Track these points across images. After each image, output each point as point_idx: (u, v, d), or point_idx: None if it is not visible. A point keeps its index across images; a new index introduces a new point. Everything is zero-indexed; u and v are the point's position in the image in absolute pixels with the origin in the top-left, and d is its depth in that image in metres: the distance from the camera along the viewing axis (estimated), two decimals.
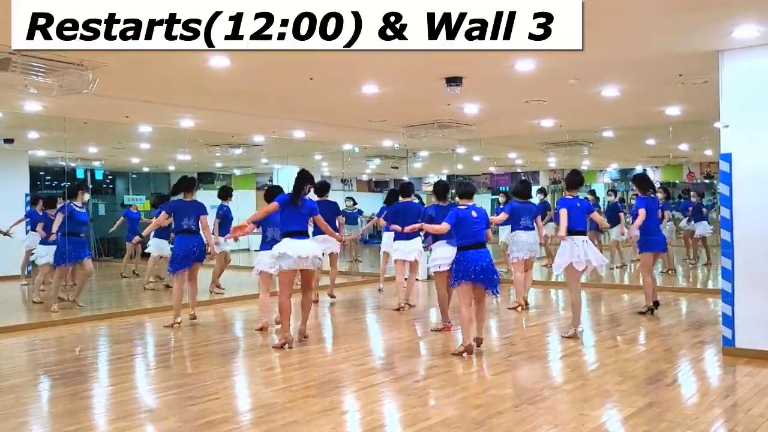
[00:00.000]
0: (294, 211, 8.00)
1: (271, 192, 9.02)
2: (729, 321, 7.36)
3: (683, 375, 6.97)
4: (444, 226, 7.54)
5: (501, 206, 13.66)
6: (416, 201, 11.26)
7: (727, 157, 7.31)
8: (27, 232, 13.56)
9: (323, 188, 11.33)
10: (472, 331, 7.55)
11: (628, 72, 8.77)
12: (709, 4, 6.04)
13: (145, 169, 21.23)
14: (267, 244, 8.95)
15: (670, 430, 5.07)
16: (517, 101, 10.69)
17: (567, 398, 5.93)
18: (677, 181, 19.61)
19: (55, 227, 10.69)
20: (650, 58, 7.98)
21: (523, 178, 16.46)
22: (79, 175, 19.28)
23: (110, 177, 21.51)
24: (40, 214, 12.19)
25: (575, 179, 8.83)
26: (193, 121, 11.87)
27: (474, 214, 7.56)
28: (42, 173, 19.22)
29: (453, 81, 8.70)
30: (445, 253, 8.16)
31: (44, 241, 11.54)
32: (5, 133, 13.56)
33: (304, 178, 8.12)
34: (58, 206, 11.42)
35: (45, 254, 11.49)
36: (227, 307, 11.68)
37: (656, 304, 9.97)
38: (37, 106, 9.90)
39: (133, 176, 21.52)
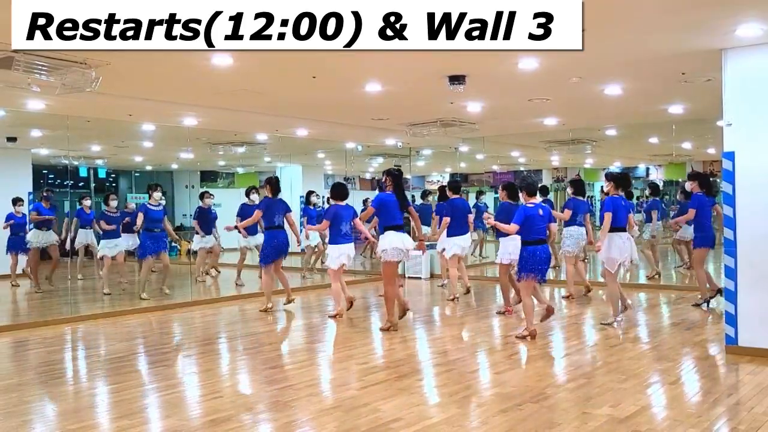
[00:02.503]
0: (393, 206, 8.93)
1: (338, 189, 9.99)
2: (732, 319, 7.35)
3: (686, 373, 6.97)
4: (513, 227, 8.22)
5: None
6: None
7: (731, 156, 7.30)
8: (30, 230, 13.63)
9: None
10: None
11: (630, 70, 8.76)
12: (712, 3, 6.03)
13: (148, 168, 21.23)
14: (341, 238, 9.80)
15: (672, 428, 5.07)
16: (520, 99, 10.68)
17: (570, 397, 5.93)
18: (680, 180, 19.58)
19: (139, 223, 11.82)
20: (653, 57, 7.97)
21: (576, 176, 16.38)
22: (82, 173, 19.28)
23: (113, 175, 21.51)
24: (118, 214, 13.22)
25: (626, 181, 9.55)
26: (196, 120, 11.87)
27: (540, 212, 8.29)
28: (45, 171, 19.23)
29: (456, 79, 8.70)
30: (510, 248, 9.45)
31: (104, 236, 12.79)
32: (8, 131, 13.57)
33: (400, 177, 9.17)
34: (138, 206, 12.57)
35: (104, 247, 12.74)
36: (229, 304, 11.71)
37: (712, 297, 10.31)
38: (40, 105, 9.91)
39: (136, 174, 21.53)
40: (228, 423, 5.29)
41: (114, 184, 21.50)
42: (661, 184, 21.40)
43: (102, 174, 20.53)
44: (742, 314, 7.29)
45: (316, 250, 15.21)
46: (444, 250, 11.61)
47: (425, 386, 6.50)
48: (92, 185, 19.81)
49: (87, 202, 14.47)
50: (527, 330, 8.29)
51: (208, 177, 22.12)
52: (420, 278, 14.79)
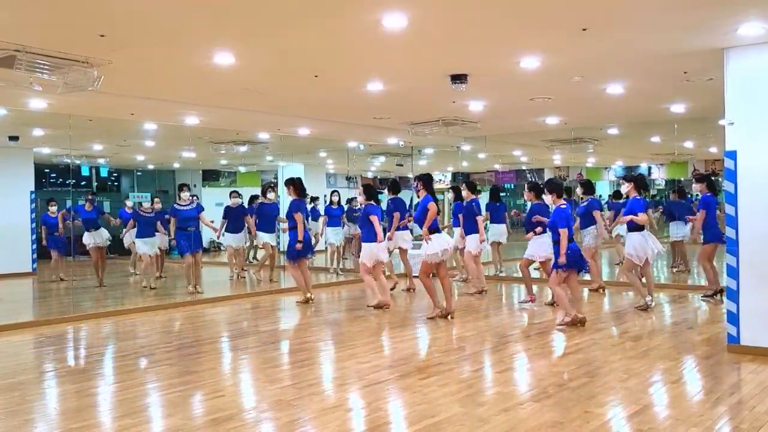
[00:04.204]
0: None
1: (370, 190, 10.80)
2: (734, 318, 7.36)
3: (688, 372, 6.96)
4: (564, 231, 8.67)
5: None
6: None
7: (732, 155, 7.30)
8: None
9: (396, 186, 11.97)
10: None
11: (632, 69, 8.76)
12: (713, 2, 6.03)
13: (150, 167, 21.24)
14: (374, 236, 10.47)
15: (674, 427, 5.07)
16: (522, 98, 10.69)
17: (572, 395, 5.92)
18: (682, 179, 19.57)
19: (171, 227, 12.52)
20: (655, 56, 7.97)
21: (580, 177, 16.78)
22: (84, 172, 19.30)
23: (115, 174, 21.53)
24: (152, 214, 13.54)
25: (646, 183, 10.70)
26: (198, 119, 11.88)
27: (570, 212, 8.93)
28: (47, 171, 19.25)
29: (458, 78, 8.71)
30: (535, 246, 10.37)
31: (139, 234, 13.07)
32: (10, 130, 13.59)
33: (431, 181, 9.86)
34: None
35: (140, 245, 13.06)
36: (232, 303, 11.72)
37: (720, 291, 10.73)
38: (41, 104, 9.93)
39: (138, 173, 21.55)
40: (230, 422, 5.29)
41: (116, 183, 21.53)
42: (663, 183, 21.42)
43: (104, 173, 20.56)
44: (744, 313, 7.29)
45: (338, 248, 15.73)
46: (464, 248, 12.19)
47: (427, 385, 6.49)
48: (94, 184, 19.84)
49: (129, 203, 14.88)
50: (569, 316, 8.85)
51: (210, 176, 22.13)
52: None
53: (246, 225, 14.16)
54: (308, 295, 11.29)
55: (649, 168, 20.81)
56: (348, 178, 24.02)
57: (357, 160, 20.58)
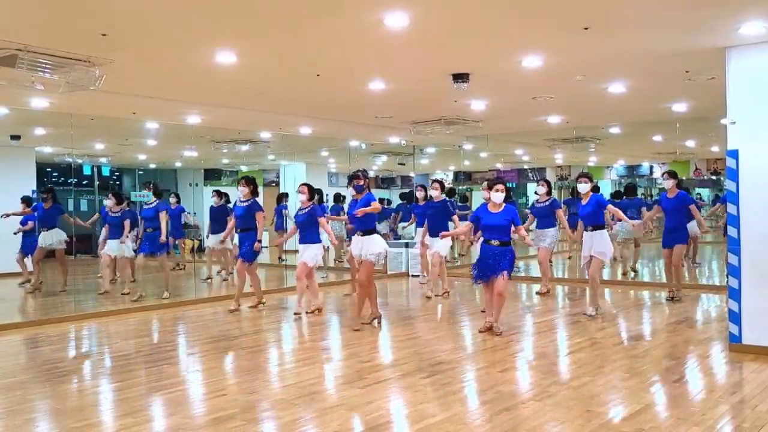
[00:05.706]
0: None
1: (312, 189, 10.23)
2: (736, 317, 7.35)
3: (690, 371, 6.96)
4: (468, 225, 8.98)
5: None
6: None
7: (734, 154, 7.29)
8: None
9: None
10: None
11: (634, 68, 8.75)
12: (715, 1, 6.03)
13: (152, 166, 21.26)
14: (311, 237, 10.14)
15: (676, 426, 5.06)
16: (524, 98, 10.68)
17: (573, 395, 5.92)
18: (684, 178, 19.54)
19: (126, 229, 12.16)
20: (656, 55, 7.97)
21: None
22: (86, 171, 19.30)
23: (117, 173, 21.54)
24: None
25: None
26: (199, 118, 11.89)
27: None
28: (49, 170, 19.25)
29: (460, 77, 8.71)
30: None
31: (111, 236, 12.51)
32: (12, 129, 13.59)
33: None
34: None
35: (110, 249, 12.43)
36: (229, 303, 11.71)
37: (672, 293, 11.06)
38: (43, 103, 9.94)
39: (140, 172, 21.56)
40: (231, 421, 5.29)
41: (118, 183, 21.54)
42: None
43: (105, 172, 20.56)
44: (746, 312, 7.29)
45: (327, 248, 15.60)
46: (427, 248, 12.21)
47: (428, 384, 6.49)
48: (96, 183, 19.85)
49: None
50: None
51: (212, 175, 22.14)
52: (417, 276, 14.80)
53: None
54: (263, 300, 11.05)
55: (651, 167, 20.81)
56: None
57: (359, 159, 20.56)
